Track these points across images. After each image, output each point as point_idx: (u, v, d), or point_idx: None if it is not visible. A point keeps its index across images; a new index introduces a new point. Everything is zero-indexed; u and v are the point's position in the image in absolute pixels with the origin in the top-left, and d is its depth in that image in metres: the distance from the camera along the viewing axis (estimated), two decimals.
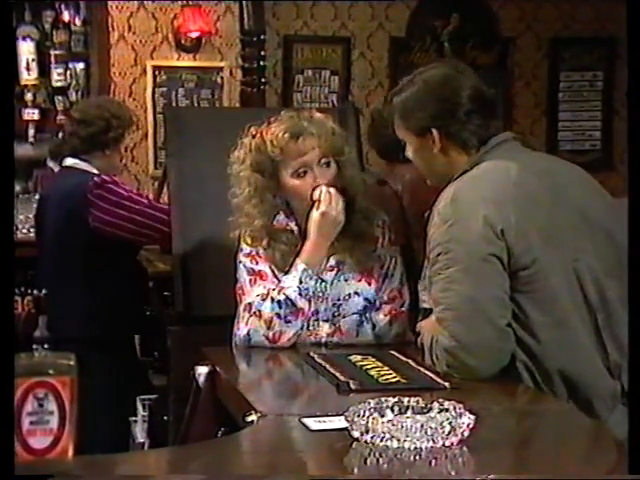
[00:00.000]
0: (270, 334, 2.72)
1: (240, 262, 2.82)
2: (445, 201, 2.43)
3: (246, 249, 2.83)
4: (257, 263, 2.80)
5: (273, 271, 2.79)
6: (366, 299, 2.80)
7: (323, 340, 2.78)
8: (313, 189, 2.73)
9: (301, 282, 2.72)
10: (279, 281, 2.77)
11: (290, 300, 2.71)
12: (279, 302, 2.71)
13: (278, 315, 2.71)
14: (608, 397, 2.37)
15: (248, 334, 2.73)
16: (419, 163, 2.63)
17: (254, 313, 2.73)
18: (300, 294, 2.72)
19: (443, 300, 2.40)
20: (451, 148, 2.53)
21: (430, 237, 2.45)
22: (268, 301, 2.72)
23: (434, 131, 2.52)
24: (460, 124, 2.50)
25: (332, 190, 2.73)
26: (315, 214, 2.72)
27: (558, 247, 2.42)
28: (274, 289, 2.74)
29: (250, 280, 2.79)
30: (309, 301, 2.73)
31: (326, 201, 2.71)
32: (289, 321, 2.72)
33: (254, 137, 2.80)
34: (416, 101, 2.56)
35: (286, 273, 2.77)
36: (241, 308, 2.77)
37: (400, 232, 3.01)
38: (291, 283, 2.72)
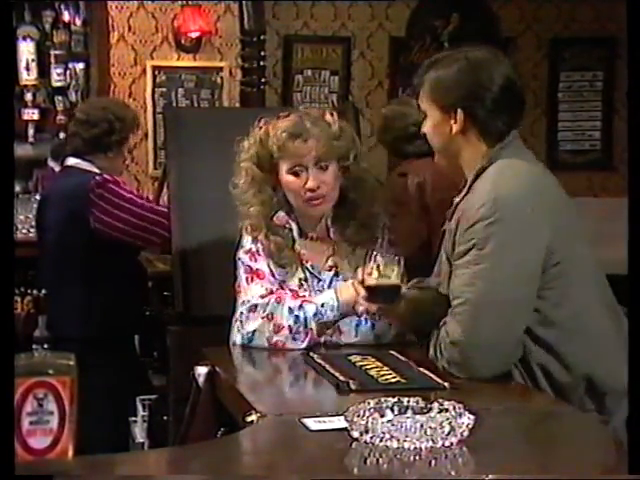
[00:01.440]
0: (274, 340, 2.71)
1: (239, 259, 2.83)
2: (485, 198, 2.38)
3: (246, 246, 2.83)
4: (256, 260, 2.80)
5: (271, 269, 2.80)
6: None
7: (323, 340, 2.78)
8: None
9: (323, 305, 2.71)
10: (276, 279, 2.78)
11: (306, 318, 2.70)
12: (296, 317, 2.71)
13: (290, 328, 2.71)
14: (622, 391, 2.37)
15: (253, 334, 2.73)
16: (434, 139, 2.58)
17: (267, 316, 2.72)
18: (316, 314, 2.71)
19: (464, 294, 2.37)
20: (472, 132, 2.49)
21: (462, 230, 2.41)
22: (285, 309, 2.72)
23: (459, 111, 2.48)
24: (487, 112, 2.47)
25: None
26: (359, 290, 2.60)
27: (579, 242, 2.46)
28: (296, 299, 2.73)
29: (247, 278, 2.79)
30: (320, 327, 2.73)
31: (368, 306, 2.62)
32: (296, 339, 2.72)
33: (261, 129, 2.82)
34: (455, 78, 2.50)
35: (281, 266, 2.78)
36: (244, 308, 2.76)
37: (422, 221, 3.05)
38: (316, 302, 2.72)
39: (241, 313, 2.76)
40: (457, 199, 2.53)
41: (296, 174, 2.75)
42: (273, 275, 2.79)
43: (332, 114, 2.87)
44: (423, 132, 2.61)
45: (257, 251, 2.81)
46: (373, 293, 2.51)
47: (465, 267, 2.38)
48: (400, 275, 2.53)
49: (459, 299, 2.38)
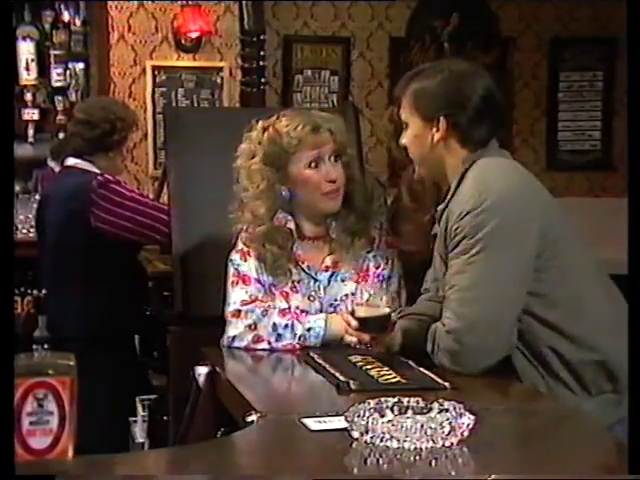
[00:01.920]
0: (252, 346, 2.74)
1: (230, 260, 2.84)
2: (471, 191, 2.42)
3: (238, 246, 2.85)
4: (245, 260, 2.82)
5: (259, 274, 2.80)
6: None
7: None
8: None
9: (309, 330, 2.72)
10: (262, 285, 2.79)
11: (291, 335, 2.72)
12: (279, 335, 2.72)
13: (269, 342, 2.73)
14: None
15: (233, 339, 2.76)
16: (414, 149, 2.61)
17: (249, 326, 2.74)
18: (300, 336, 2.72)
19: (457, 282, 2.40)
20: (453, 140, 2.53)
21: (453, 225, 2.43)
22: (270, 324, 2.73)
23: (442, 119, 2.52)
24: (469, 120, 2.51)
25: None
26: (350, 322, 2.59)
27: (568, 229, 2.48)
28: (284, 316, 2.74)
29: (233, 282, 2.82)
30: (298, 345, 2.73)
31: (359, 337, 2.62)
32: (273, 348, 2.73)
33: (265, 130, 2.81)
34: (438, 88, 2.54)
35: (274, 275, 2.79)
36: (228, 311, 2.79)
37: None
38: (306, 324, 2.73)
39: (226, 316, 2.78)
40: (441, 205, 2.55)
41: (314, 167, 2.77)
42: (259, 281, 2.80)
43: (324, 111, 2.91)
44: (402, 143, 2.63)
45: (248, 252, 2.82)
46: (364, 324, 2.52)
47: (456, 257, 2.41)
48: (389, 301, 2.60)
49: (452, 287, 2.41)
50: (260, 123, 2.84)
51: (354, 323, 2.52)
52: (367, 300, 2.53)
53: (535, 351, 2.40)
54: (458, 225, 2.41)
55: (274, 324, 2.73)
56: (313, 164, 2.77)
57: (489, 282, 2.36)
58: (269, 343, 2.73)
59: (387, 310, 2.50)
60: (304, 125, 2.76)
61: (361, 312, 2.53)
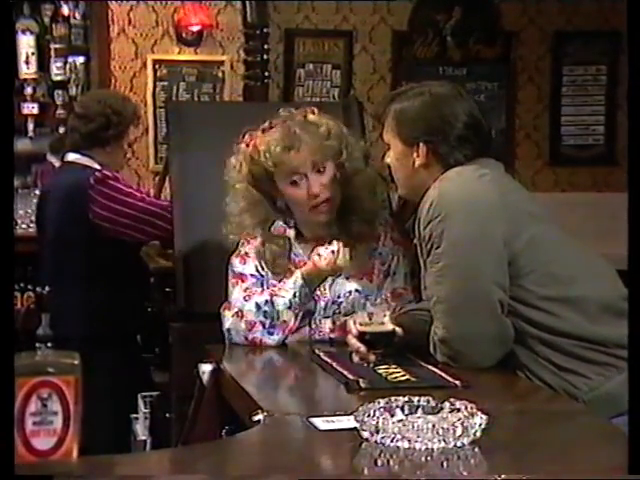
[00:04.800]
0: (250, 337, 2.72)
1: (230, 264, 2.84)
2: (432, 198, 2.43)
3: (238, 249, 2.84)
4: (245, 262, 2.81)
5: (258, 271, 2.79)
6: (367, 297, 2.77)
7: (327, 337, 2.76)
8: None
9: (295, 296, 2.70)
10: (261, 277, 2.78)
11: (277, 312, 2.70)
12: (265, 313, 2.70)
13: (262, 323, 2.71)
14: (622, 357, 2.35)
15: (229, 332, 2.75)
16: (397, 171, 2.63)
17: (236, 313, 2.73)
18: (289, 307, 2.69)
19: (436, 293, 2.42)
20: (434, 167, 2.53)
21: (421, 234, 2.46)
22: (252, 304, 2.71)
23: (421, 145, 2.52)
24: (450, 146, 2.51)
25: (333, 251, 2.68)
26: (318, 262, 2.67)
27: (544, 223, 2.48)
28: (262, 292, 2.73)
29: (232, 283, 2.82)
30: (295, 316, 2.71)
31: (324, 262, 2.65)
32: (271, 333, 2.71)
33: (248, 146, 2.80)
34: (418, 112, 2.54)
35: (275, 273, 2.77)
36: (222, 306, 2.78)
37: None
38: (285, 294, 2.70)
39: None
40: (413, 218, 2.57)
41: (296, 184, 2.74)
42: (256, 277, 2.79)
43: (314, 112, 2.85)
44: (386, 162, 2.64)
45: (246, 254, 2.82)
46: (369, 343, 2.48)
47: (431, 266, 2.44)
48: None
49: (433, 298, 2.43)
50: (247, 136, 2.83)
51: (363, 348, 2.48)
52: (370, 318, 2.49)
53: (534, 349, 2.39)
54: (424, 234, 2.44)
55: (256, 304, 2.71)
56: (295, 181, 2.74)
57: (463, 290, 2.37)
58: (263, 326, 2.70)
59: (391, 327, 2.48)
60: (276, 146, 2.73)
61: (366, 330, 2.48)
